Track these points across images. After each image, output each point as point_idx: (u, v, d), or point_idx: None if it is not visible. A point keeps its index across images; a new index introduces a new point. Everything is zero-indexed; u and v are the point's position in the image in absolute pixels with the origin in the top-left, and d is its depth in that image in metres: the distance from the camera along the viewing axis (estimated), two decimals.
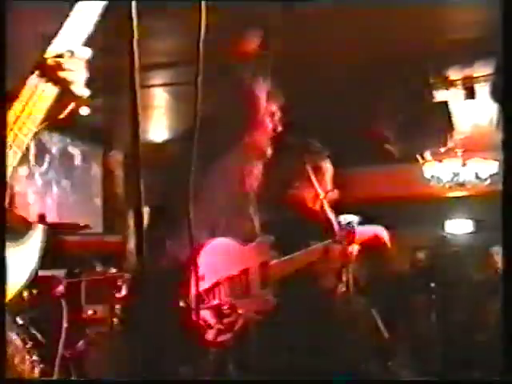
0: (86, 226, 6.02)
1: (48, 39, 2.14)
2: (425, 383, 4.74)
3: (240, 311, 3.21)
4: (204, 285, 3.06)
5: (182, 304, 2.98)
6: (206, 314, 3.07)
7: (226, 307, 3.14)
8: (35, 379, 4.69)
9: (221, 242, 3.26)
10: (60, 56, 1.99)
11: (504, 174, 2.34)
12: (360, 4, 5.47)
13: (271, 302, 3.53)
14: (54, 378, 5.02)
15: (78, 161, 10.42)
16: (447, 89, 7.82)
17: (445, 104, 7.67)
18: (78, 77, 1.96)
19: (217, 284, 3.17)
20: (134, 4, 1.49)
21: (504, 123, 2.39)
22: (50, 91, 2.02)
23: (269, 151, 3.62)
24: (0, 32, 2.75)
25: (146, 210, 1.67)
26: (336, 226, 3.95)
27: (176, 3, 4.99)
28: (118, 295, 5.69)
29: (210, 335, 3.08)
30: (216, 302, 3.13)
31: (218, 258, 3.18)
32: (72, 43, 2.03)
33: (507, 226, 2.30)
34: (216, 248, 3.17)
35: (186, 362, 3.14)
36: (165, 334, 2.99)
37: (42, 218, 5.37)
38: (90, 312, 5.84)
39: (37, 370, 4.74)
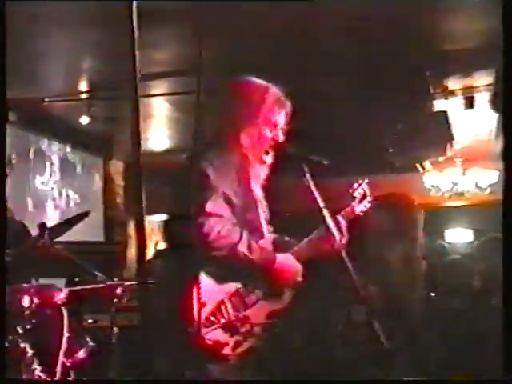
0: (86, 213, 6.00)
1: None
2: (425, 383, 4.74)
3: (252, 320, 3.23)
4: (207, 308, 3.08)
5: (190, 330, 3.01)
6: (218, 334, 3.10)
7: (236, 321, 3.16)
8: (35, 380, 4.70)
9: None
10: None
11: (504, 183, 2.35)
12: (360, 16, 5.49)
13: (283, 303, 3.53)
14: None
15: (78, 169, 10.44)
16: (447, 98, 7.85)
17: (444, 114, 7.68)
18: None
19: (221, 302, 3.18)
20: (135, 14, 1.50)
21: (504, 132, 2.40)
22: None
23: (268, 160, 3.62)
24: (0, 32, 2.76)
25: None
26: (336, 235, 3.95)
27: (177, 13, 5.02)
28: (118, 304, 5.69)
29: (227, 350, 3.11)
30: (224, 320, 3.15)
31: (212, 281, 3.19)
32: None
33: (507, 235, 2.32)
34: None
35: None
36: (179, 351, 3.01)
37: (42, 227, 5.37)
38: (90, 321, 5.85)
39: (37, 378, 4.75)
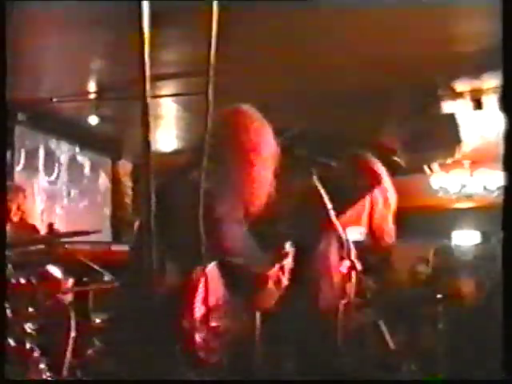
0: (96, 232, 6.05)
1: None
2: (424, 383, 4.74)
3: (232, 332, 3.22)
4: (204, 308, 3.06)
5: (185, 325, 2.99)
6: (205, 336, 3.08)
7: (221, 329, 3.15)
8: (34, 380, 4.71)
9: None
10: None
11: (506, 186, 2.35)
12: (370, 19, 5.50)
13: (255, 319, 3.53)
14: None
15: (86, 170, 10.47)
16: (455, 100, 7.84)
17: (452, 116, 7.68)
18: None
19: (216, 306, 3.17)
20: (145, 13, 1.50)
21: (506, 134, 2.40)
22: None
23: (276, 164, 3.61)
24: (0, 32, 2.76)
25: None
26: (343, 236, 3.95)
27: (187, 13, 5.03)
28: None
29: (205, 356, 3.09)
30: (215, 323, 3.13)
31: (216, 281, 3.17)
32: None
33: (508, 236, 2.32)
34: (215, 270, 3.17)
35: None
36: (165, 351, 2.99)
37: (51, 227, 5.40)
38: (97, 321, 5.85)
39: (45, 377, 4.76)
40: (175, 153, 10.41)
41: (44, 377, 4.78)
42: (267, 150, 3.50)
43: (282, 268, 3.53)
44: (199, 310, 3.03)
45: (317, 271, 4.22)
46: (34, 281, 5.02)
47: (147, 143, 1.57)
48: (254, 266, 3.30)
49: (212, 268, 3.07)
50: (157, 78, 6.96)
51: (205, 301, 3.01)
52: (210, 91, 1.62)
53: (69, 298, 5.80)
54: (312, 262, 4.05)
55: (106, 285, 5.93)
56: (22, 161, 8.70)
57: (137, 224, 3.80)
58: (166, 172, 3.34)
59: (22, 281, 4.96)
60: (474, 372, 5.17)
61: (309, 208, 4.25)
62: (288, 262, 3.59)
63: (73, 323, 5.38)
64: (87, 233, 5.88)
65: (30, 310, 4.91)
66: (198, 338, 3.02)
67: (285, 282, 3.52)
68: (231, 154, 3.36)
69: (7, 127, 7.87)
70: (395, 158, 8.39)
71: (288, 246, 3.59)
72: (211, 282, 2.99)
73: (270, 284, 3.42)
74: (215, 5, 1.55)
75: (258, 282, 3.38)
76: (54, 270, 5.54)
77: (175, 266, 2.97)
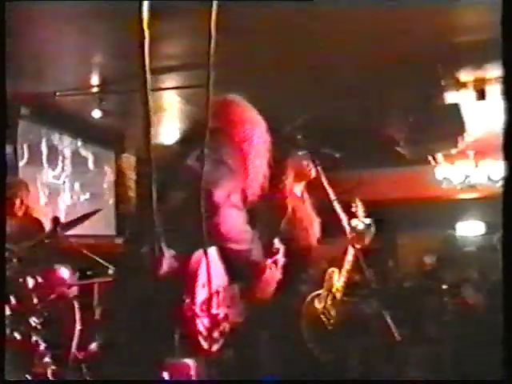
0: (97, 211, 6.04)
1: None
2: (425, 383, 4.75)
3: (230, 320, 3.22)
4: (205, 294, 3.05)
5: (186, 310, 2.98)
6: (207, 323, 3.07)
7: (221, 316, 3.15)
8: (33, 380, 4.72)
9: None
10: None
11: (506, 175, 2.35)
12: (372, 7, 5.48)
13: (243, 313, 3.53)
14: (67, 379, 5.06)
15: (90, 164, 10.47)
16: (458, 91, 7.82)
17: (456, 106, 7.67)
18: None
19: (216, 293, 3.16)
20: (145, 7, 1.50)
21: (506, 124, 2.40)
22: None
23: (270, 154, 3.62)
24: (0, 32, 2.76)
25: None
26: (347, 228, 3.97)
27: (187, 5, 5.02)
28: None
29: (206, 344, 3.08)
30: (214, 311, 3.13)
31: (216, 267, 3.17)
32: None
33: (507, 227, 2.31)
34: (215, 256, 3.17)
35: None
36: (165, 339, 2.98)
37: (55, 221, 5.40)
38: None
39: (50, 371, 4.77)
40: (177, 144, 10.40)
41: (49, 370, 4.80)
42: (260, 140, 3.51)
43: (275, 262, 3.55)
44: (200, 295, 3.03)
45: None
46: (40, 280, 5.04)
47: (148, 135, 1.57)
48: (251, 254, 3.32)
49: (211, 253, 3.07)
50: (158, 70, 6.95)
51: (205, 286, 3.02)
52: (211, 84, 1.62)
53: (73, 291, 5.82)
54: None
55: (110, 278, 5.94)
56: (26, 155, 8.69)
57: (138, 212, 3.81)
58: (165, 161, 3.35)
59: (28, 278, 4.97)
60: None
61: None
62: (279, 258, 3.61)
63: (78, 316, 5.39)
64: (89, 215, 5.88)
65: (35, 304, 4.92)
66: (199, 323, 3.02)
67: (278, 275, 3.53)
68: (224, 144, 3.37)
69: (10, 121, 7.88)
70: (399, 149, 8.38)
71: (277, 243, 3.61)
72: (211, 266, 2.98)
73: (267, 273, 3.43)
74: (215, 4, 1.55)
75: (255, 270, 3.39)
76: (62, 271, 5.56)
77: (175, 251, 2.96)
